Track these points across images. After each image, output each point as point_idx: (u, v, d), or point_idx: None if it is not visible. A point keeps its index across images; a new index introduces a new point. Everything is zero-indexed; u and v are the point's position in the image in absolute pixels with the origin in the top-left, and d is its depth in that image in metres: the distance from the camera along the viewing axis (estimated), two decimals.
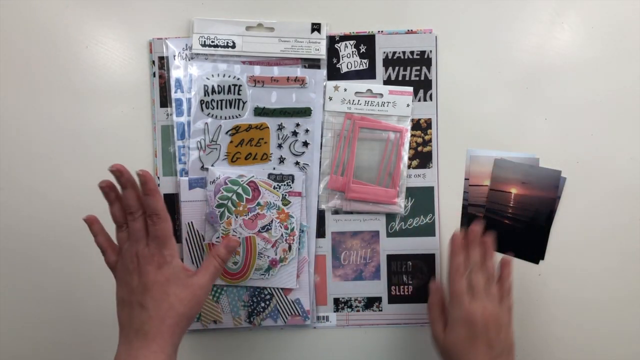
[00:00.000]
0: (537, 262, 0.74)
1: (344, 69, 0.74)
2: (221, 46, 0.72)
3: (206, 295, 0.61)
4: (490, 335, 0.61)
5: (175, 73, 0.73)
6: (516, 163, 0.73)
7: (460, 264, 0.65)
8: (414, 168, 0.74)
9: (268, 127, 0.73)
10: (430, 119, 0.74)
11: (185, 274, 0.60)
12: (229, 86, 0.73)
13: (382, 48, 0.74)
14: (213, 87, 0.73)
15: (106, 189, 0.60)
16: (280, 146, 0.73)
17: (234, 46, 0.72)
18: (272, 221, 0.72)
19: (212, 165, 0.73)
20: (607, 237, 0.74)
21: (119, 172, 0.58)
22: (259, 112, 0.73)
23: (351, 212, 0.74)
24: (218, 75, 0.73)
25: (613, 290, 0.74)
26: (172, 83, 0.73)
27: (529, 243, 0.74)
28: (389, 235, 0.75)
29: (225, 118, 0.73)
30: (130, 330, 0.58)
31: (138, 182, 0.58)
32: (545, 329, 0.74)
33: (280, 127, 0.73)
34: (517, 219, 0.74)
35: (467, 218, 0.74)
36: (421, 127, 0.74)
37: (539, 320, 0.75)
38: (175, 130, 0.73)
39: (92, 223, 0.62)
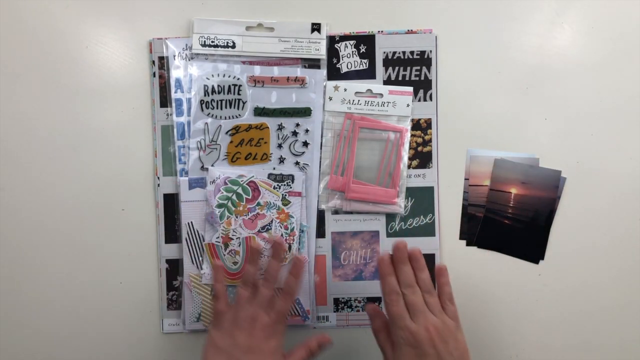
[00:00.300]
0: (537, 262, 0.74)
1: (344, 69, 0.74)
2: (221, 46, 0.72)
3: None
4: (439, 348, 0.59)
5: (175, 73, 0.73)
6: (516, 163, 0.73)
7: (394, 284, 0.62)
8: (413, 168, 0.74)
9: (268, 127, 0.73)
10: (430, 119, 0.74)
11: (282, 353, 0.63)
12: (229, 86, 0.73)
13: (382, 48, 0.74)
14: (213, 87, 0.73)
15: (255, 251, 0.65)
16: (280, 146, 0.73)
17: (234, 46, 0.72)
18: (272, 221, 0.72)
19: (212, 165, 0.73)
20: (607, 237, 0.74)
21: (281, 246, 0.65)
22: (259, 112, 0.73)
23: (351, 212, 0.74)
24: (218, 75, 0.73)
25: (613, 290, 0.74)
26: (172, 83, 0.73)
27: (529, 243, 0.74)
28: (389, 235, 0.75)
29: (225, 118, 0.73)
30: None
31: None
32: (544, 329, 0.74)
33: (280, 127, 0.73)
34: (517, 219, 0.74)
35: (467, 218, 0.74)
36: (421, 127, 0.74)
37: (538, 320, 0.75)
38: (175, 130, 0.73)
39: (218, 270, 0.67)
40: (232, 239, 0.72)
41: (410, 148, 0.74)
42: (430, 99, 0.74)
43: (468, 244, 0.74)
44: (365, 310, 0.67)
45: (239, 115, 0.73)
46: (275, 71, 0.73)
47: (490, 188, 0.74)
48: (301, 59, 0.73)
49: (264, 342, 0.61)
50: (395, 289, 0.62)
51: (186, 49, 0.73)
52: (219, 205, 0.72)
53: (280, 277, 0.64)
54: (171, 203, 0.74)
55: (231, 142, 0.73)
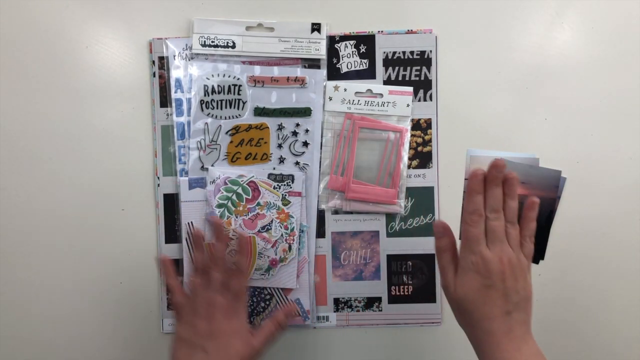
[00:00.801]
0: (537, 262, 0.74)
1: (344, 69, 0.74)
2: (221, 46, 0.72)
3: (259, 358, 0.63)
4: (507, 284, 0.55)
5: (175, 73, 0.73)
6: (516, 163, 0.73)
7: (480, 204, 0.57)
8: (414, 168, 0.74)
9: (268, 127, 0.73)
10: (430, 119, 0.74)
11: (248, 330, 0.62)
12: (229, 86, 0.73)
13: (382, 48, 0.74)
14: (213, 87, 0.73)
15: (197, 238, 0.64)
16: (280, 146, 0.73)
17: (234, 46, 0.72)
18: (272, 221, 0.72)
19: (212, 165, 0.73)
20: (606, 237, 0.74)
21: (219, 226, 0.63)
22: (259, 112, 0.73)
23: (351, 212, 0.74)
24: (218, 75, 0.73)
25: (613, 290, 0.74)
26: (172, 83, 0.73)
27: None
28: (389, 235, 0.75)
29: (225, 118, 0.73)
30: None
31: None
32: (544, 329, 0.74)
33: (280, 127, 0.73)
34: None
35: None
36: (421, 127, 0.74)
37: (538, 320, 0.74)
38: (175, 130, 0.73)
39: (165, 265, 0.65)
40: (232, 239, 0.72)
41: (410, 148, 0.74)
42: (430, 99, 0.74)
43: None
44: (434, 226, 0.61)
45: (239, 115, 0.73)
46: (275, 71, 0.73)
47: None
48: (301, 59, 0.73)
49: (225, 324, 0.60)
50: (480, 210, 0.57)
51: (186, 49, 0.73)
52: (219, 205, 0.72)
53: (238, 263, 0.63)
54: (171, 203, 0.74)
55: (231, 142, 0.73)
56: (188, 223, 0.73)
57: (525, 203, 0.60)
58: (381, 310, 0.75)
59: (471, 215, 0.57)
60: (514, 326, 0.55)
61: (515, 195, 0.58)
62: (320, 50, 0.73)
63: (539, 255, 0.74)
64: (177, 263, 0.74)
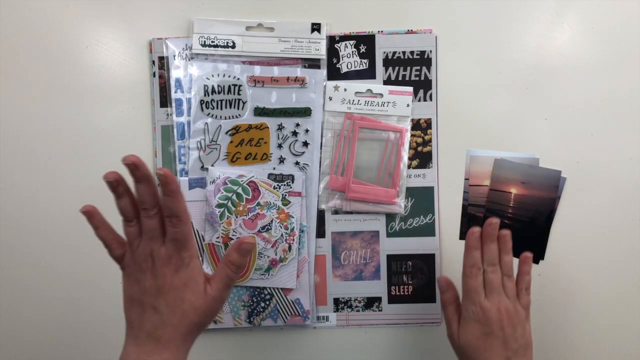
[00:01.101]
0: (537, 262, 0.74)
1: (344, 69, 0.74)
2: (221, 46, 0.72)
3: (221, 306, 0.57)
4: (506, 332, 0.60)
5: (175, 73, 0.73)
6: (516, 163, 0.73)
7: (477, 259, 0.63)
8: (413, 168, 0.74)
9: (268, 127, 0.73)
10: (430, 119, 0.74)
11: (203, 279, 0.55)
12: (229, 86, 0.73)
13: (382, 48, 0.74)
14: (213, 87, 0.73)
15: (114, 182, 0.53)
16: (280, 146, 0.73)
17: (234, 46, 0.72)
18: (272, 221, 0.72)
19: (212, 165, 0.73)
20: (606, 237, 0.74)
21: (133, 165, 0.51)
22: (259, 112, 0.73)
23: (351, 212, 0.74)
24: (218, 75, 0.73)
25: (613, 290, 0.74)
26: (172, 83, 0.73)
27: (529, 243, 0.74)
28: (389, 235, 0.75)
29: (225, 118, 0.73)
30: (141, 332, 0.53)
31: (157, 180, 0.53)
32: (544, 329, 0.74)
33: (280, 127, 0.73)
34: (517, 219, 0.73)
35: (467, 218, 0.74)
36: (421, 127, 0.74)
37: (538, 320, 0.74)
38: (175, 130, 0.73)
39: (91, 215, 0.55)
40: (232, 239, 0.72)
41: (410, 148, 0.74)
42: (430, 99, 0.74)
43: None
44: (438, 281, 0.67)
45: (239, 115, 0.73)
46: (275, 71, 0.73)
47: (490, 188, 0.74)
48: (301, 59, 0.73)
49: (172, 277, 0.53)
50: (478, 264, 0.62)
51: (186, 49, 0.73)
52: (219, 205, 0.72)
53: (170, 208, 0.52)
54: None
55: (231, 142, 0.73)
56: None
57: (520, 258, 0.65)
58: (381, 310, 0.75)
59: (470, 269, 0.62)
60: None
61: (510, 250, 0.64)
62: (320, 50, 0.73)
63: (539, 255, 0.74)
64: None
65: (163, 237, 0.54)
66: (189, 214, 0.54)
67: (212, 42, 0.72)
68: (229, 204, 0.72)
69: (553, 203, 0.74)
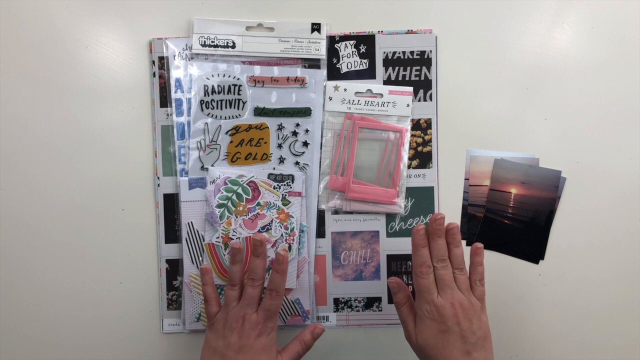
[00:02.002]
0: (537, 262, 0.74)
1: (344, 69, 0.74)
2: (221, 46, 0.72)
3: None
4: (463, 326, 0.59)
5: (175, 73, 0.73)
6: (516, 163, 0.73)
7: (426, 257, 0.62)
8: (413, 168, 0.74)
9: (268, 127, 0.73)
10: (430, 119, 0.74)
11: (276, 349, 0.65)
12: (229, 86, 0.73)
13: (382, 48, 0.74)
14: (213, 87, 0.73)
15: (236, 251, 0.65)
16: (280, 146, 0.73)
17: (234, 46, 0.72)
18: (272, 221, 0.72)
19: (212, 165, 0.73)
20: (606, 237, 0.74)
21: (260, 242, 0.64)
22: (259, 112, 0.73)
23: (351, 212, 0.74)
24: (218, 75, 0.73)
25: (613, 290, 0.74)
26: (172, 83, 0.73)
27: (529, 243, 0.74)
28: (388, 235, 0.75)
29: (225, 118, 0.73)
30: None
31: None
32: (544, 329, 0.74)
33: (280, 127, 0.73)
34: (517, 219, 0.74)
35: (467, 218, 0.74)
36: (421, 127, 0.74)
37: (538, 320, 0.75)
38: (175, 130, 0.73)
39: (206, 273, 0.67)
40: (232, 239, 0.72)
41: (410, 148, 0.74)
42: (430, 99, 0.74)
43: (468, 244, 0.74)
44: (388, 283, 0.67)
45: (239, 115, 0.73)
46: (275, 71, 0.73)
47: (490, 188, 0.74)
48: (301, 59, 0.73)
49: (254, 340, 0.62)
50: (427, 262, 0.62)
51: (186, 49, 0.73)
52: (219, 205, 0.72)
53: (275, 282, 0.64)
54: (171, 203, 0.74)
55: (231, 142, 0.73)
56: (188, 223, 0.73)
57: (471, 248, 0.64)
58: (381, 310, 0.75)
59: (419, 268, 0.62)
60: None
61: (459, 242, 0.63)
62: (320, 50, 0.73)
63: (539, 255, 0.74)
64: (177, 263, 0.74)
65: (257, 305, 0.64)
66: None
67: (212, 42, 0.72)
68: (229, 204, 0.72)
69: (553, 203, 0.74)
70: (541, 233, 0.74)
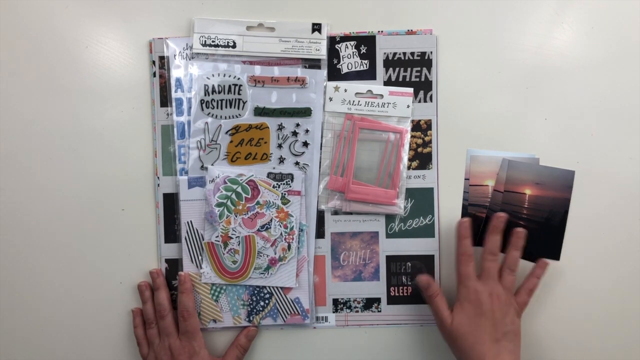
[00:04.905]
0: (557, 259, 0.74)
1: (345, 70, 0.74)
2: (222, 46, 0.73)
3: None
4: (496, 315, 0.64)
5: (176, 73, 0.73)
6: (529, 164, 0.73)
7: (468, 246, 0.67)
8: (413, 169, 0.74)
9: (268, 127, 0.73)
10: (430, 120, 0.74)
11: None
12: (229, 86, 0.73)
13: (383, 49, 0.74)
14: (213, 87, 0.73)
15: (143, 288, 0.72)
16: (280, 146, 0.73)
17: (234, 46, 0.73)
18: (271, 220, 0.72)
19: (211, 165, 0.73)
20: (606, 237, 0.74)
21: (156, 274, 0.72)
22: (259, 112, 0.73)
23: (351, 213, 0.74)
24: (218, 75, 0.73)
25: (613, 290, 0.74)
26: (173, 83, 0.73)
27: (544, 244, 0.73)
28: (388, 236, 0.74)
29: (226, 118, 0.73)
30: None
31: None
32: (546, 329, 0.74)
33: (280, 127, 0.73)
34: (532, 219, 0.73)
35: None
36: (421, 128, 0.74)
37: (540, 320, 0.74)
38: (175, 129, 0.73)
39: (136, 315, 0.73)
40: (232, 238, 0.72)
41: (410, 149, 0.74)
42: (431, 100, 0.74)
43: (475, 245, 0.74)
44: (419, 281, 0.71)
45: (239, 115, 0.73)
46: (276, 71, 0.73)
47: (504, 190, 0.73)
48: (302, 59, 0.73)
49: None
50: (468, 251, 0.67)
51: (187, 49, 0.73)
52: (219, 204, 0.72)
53: (182, 303, 0.70)
54: (171, 203, 0.73)
55: (231, 141, 0.73)
56: (187, 222, 0.73)
57: (539, 262, 0.71)
58: (380, 311, 0.75)
59: (461, 256, 0.68)
60: (503, 352, 0.63)
61: (520, 247, 0.69)
62: (320, 51, 0.73)
63: (554, 255, 0.74)
64: (177, 263, 0.74)
65: (177, 332, 0.70)
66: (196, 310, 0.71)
67: (213, 41, 0.72)
68: (229, 203, 0.72)
69: (567, 203, 0.73)
70: (556, 233, 0.74)
